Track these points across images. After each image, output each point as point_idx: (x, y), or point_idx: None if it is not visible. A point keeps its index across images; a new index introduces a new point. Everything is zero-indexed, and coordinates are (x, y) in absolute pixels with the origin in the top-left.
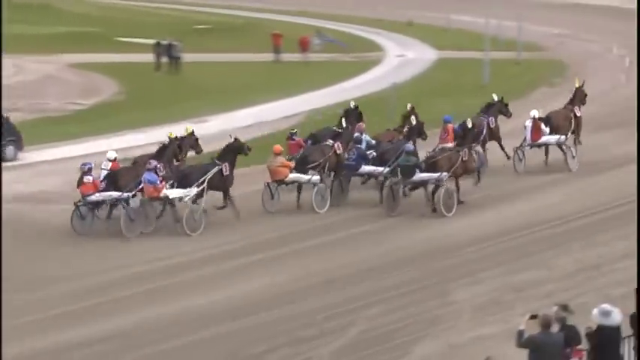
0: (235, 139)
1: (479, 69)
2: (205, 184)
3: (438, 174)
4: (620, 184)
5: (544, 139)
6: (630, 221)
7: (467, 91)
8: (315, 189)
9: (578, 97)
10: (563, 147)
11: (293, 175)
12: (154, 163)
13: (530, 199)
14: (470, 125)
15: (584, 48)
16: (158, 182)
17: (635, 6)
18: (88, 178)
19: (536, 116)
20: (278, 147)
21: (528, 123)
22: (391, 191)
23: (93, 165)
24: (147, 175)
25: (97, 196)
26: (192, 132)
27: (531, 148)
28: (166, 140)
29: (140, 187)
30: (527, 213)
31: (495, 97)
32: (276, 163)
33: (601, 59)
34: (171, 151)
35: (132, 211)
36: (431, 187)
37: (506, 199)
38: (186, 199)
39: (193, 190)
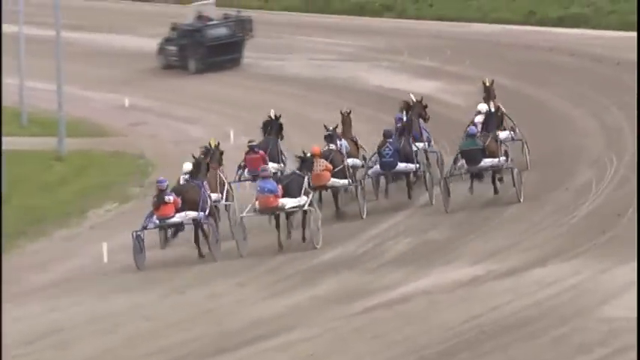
0: (305, 153)
1: None
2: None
3: (503, 159)
4: None
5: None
6: None
7: None
8: (360, 193)
9: (490, 94)
10: (523, 142)
11: (332, 180)
12: (269, 168)
13: None
14: (493, 109)
15: (180, 132)
16: (279, 190)
17: None
18: (169, 198)
19: (486, 110)
20: (317, 148)
21: (479, 118)
22: (446, 184)
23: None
24: (265, 184)
25: (177, 218)
26: (218, 144)
27: None
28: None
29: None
30: None
31: (413, 98)
32: (320, 167)
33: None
34: (216, 160)
35: (241, 229)
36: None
37: None
38: (306, 207)
39: (304, 199)
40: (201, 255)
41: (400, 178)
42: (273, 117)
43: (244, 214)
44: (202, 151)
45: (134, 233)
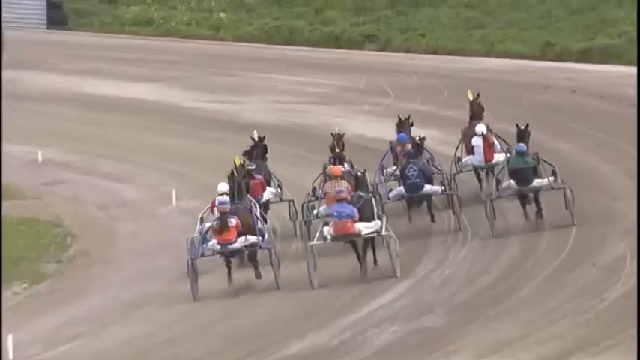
0: (363, 173)
1: None
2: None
3: (552, 178)
4: None
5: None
6: None
7: None
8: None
9: (477, 112)
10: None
11: None
12: (345, 190)
13: None
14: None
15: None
16: (356, 215)
17: None
18: (231, 221)
19: (485, 132)
20: (338, 169)
21: (477, 142)
22: (492, 207)
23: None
24: (342, 208)
25: (238, 243)
26: (244, 162)
27: (484, 170)
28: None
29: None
30: None
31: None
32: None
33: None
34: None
35: (312, 258)
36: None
37: None
38: (384, 232)
39: (379, 223)
40: (258, 274)
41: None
42: (256, 139)
43: (315, 241)
44: (229, 174)
45: (189, 261)
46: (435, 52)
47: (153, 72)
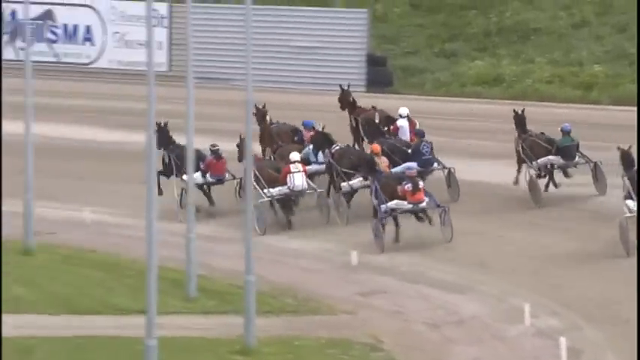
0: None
1: None
2: None
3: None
4: None
5: None
6: None
7: None
8: None
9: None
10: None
11: None
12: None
13: None
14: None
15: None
16: None
17: None
18: (422, 184)
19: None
20: (377, 146)
21: (403, 122)
22: (533, 178)
23: None
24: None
25: (425, 204)
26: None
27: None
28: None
29: None
30: None
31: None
32: (384, 165)
33: None
34: None
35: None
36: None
37: None
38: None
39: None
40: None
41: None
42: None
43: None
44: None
45: (378, 219)
46: None
47: (501, 147)
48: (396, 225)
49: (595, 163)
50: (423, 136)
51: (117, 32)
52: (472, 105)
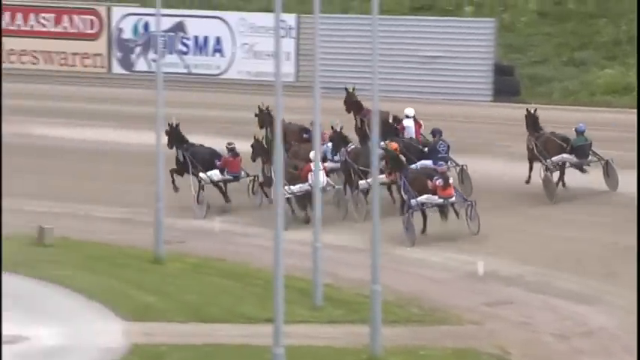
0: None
1: None
2: None
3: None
4: None
5: None
6: None
7: None
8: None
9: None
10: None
11: None
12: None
13: None
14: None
15: (568, 317)
16: None
17: None
18: (451, 179)
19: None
20: (395, 144)
21: (409, 122)
22: (549, 176)
23: None
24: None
25: (454, 199)
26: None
27: None
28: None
29: None
30: None
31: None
32: None
33: None
34: None
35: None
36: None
37: None
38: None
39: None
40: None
41: None
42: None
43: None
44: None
45: (410, 213)
46: None
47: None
48: (424, 218)
49: (607, 161)
50: (441, 135)
51: (246, 43)
52: (597, 115)
